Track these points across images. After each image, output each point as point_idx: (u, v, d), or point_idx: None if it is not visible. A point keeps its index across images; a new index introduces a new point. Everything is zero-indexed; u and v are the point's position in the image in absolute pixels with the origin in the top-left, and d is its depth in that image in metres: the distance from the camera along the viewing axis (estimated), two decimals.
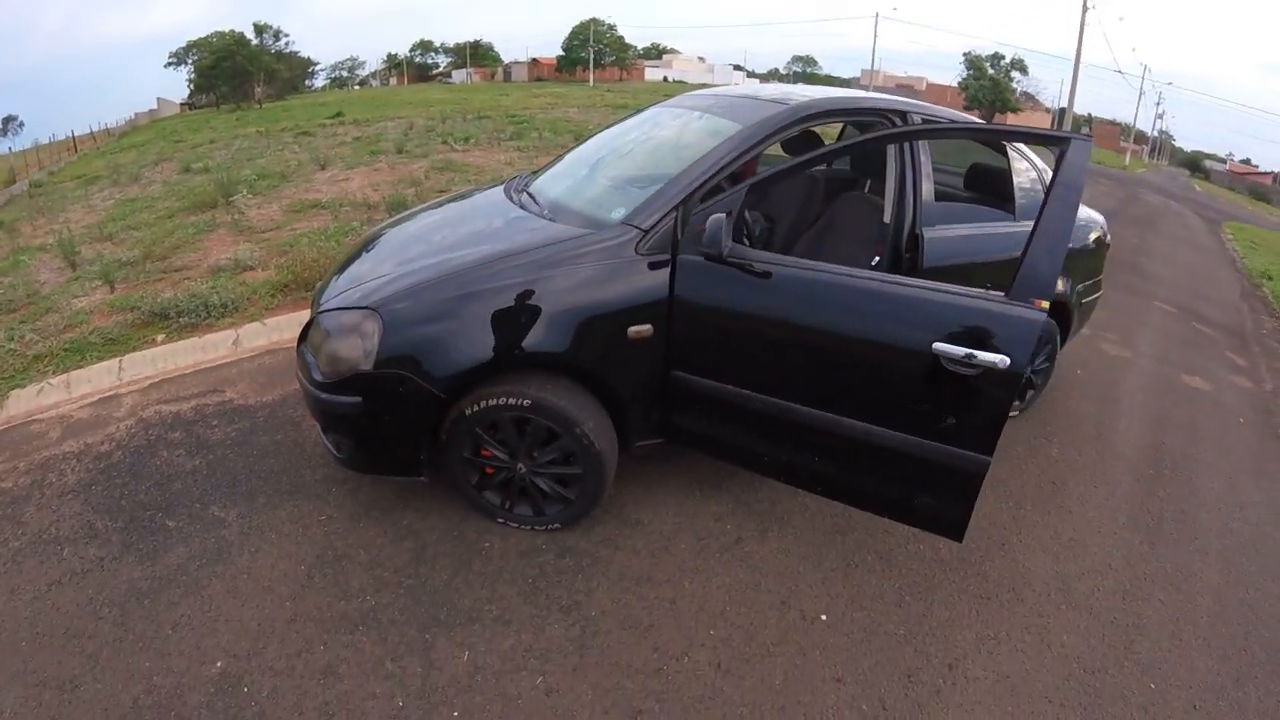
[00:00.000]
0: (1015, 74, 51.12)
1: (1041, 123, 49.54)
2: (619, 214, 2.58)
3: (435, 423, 2.42)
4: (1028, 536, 2.99)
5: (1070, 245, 3.80)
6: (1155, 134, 73.15)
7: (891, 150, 3.02)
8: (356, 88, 79.65)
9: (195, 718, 1.92)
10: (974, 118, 3.95)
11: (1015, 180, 3.43)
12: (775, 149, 3.21)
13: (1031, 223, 2.41)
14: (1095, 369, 5.08)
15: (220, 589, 2.33)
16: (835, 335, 2.34)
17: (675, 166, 2.66)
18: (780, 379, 2.43)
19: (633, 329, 2.42)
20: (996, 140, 3.52)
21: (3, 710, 1.95)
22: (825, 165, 4.20)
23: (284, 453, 3.06)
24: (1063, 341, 3.98)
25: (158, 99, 55.70)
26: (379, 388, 2.33)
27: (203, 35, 47.77)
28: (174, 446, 3.09)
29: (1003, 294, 2.14)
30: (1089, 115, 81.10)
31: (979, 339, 2.12)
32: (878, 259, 3.04)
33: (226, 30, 47.29)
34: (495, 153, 10.97)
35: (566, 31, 69.51)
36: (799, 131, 2.93)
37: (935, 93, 61.95)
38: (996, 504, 3.16)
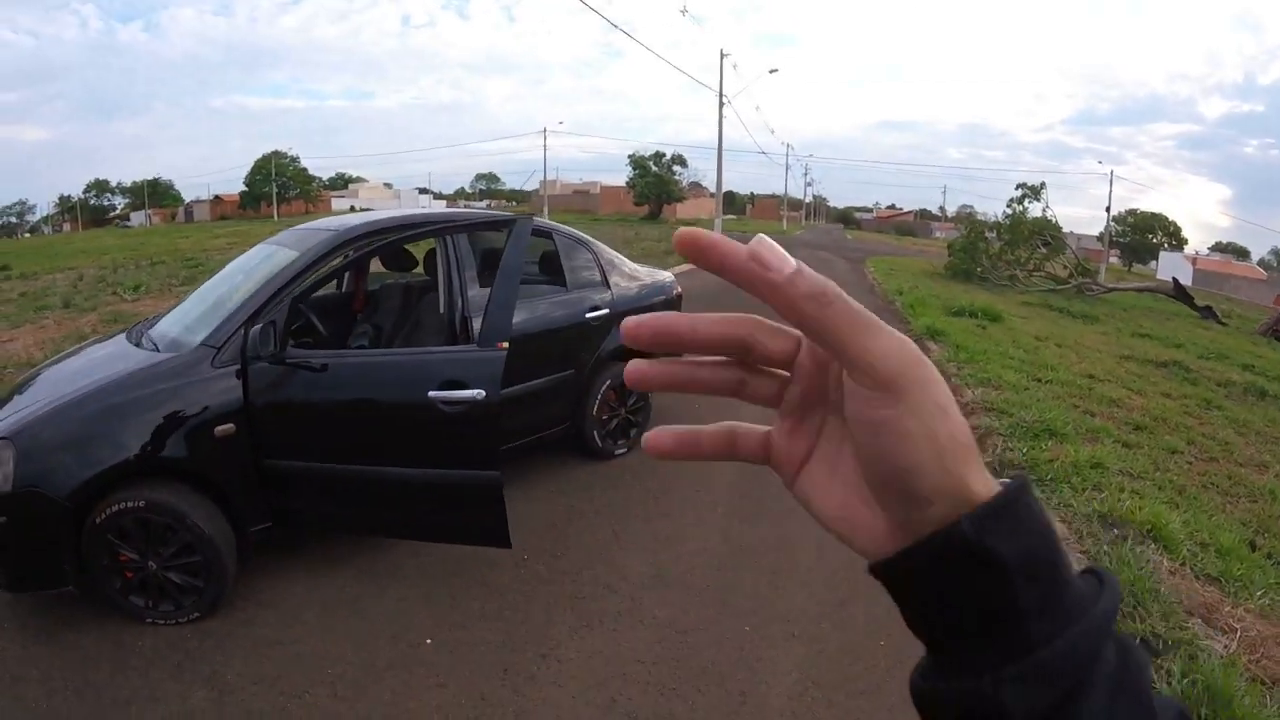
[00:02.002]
0: (677, 168, 54.51)
1: (706, 206, 52.34)
2: (201, 337, 3.15)
3: (75, 535, 2.77)
4: (628, 542, 3.71)
5: (657, 299, 4.93)
6: (809, 199, 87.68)
7: (438, 252, 3.84)
8: (26, 235, 69.77)
9: None
10: (501, 211, 4.92)
11: (565, 260, 4.47)
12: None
13: (582, 291, 3.57)
14: (705, 403, 6.24)
15: None
16: (370, 403, 3.10)
17: (251, 292, 3.28)
18: (341, 447, 3.08)
19: (218, 429, 2.96)
20: (462, 232, 3.97)
21: None
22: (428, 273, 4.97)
23: None
24: None
25: None
26: (18, 506, 2.69)
27: None
28: None
29: (475, 345, 2.92)
30: (751, 194, 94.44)
31: (460, 382, 2.89)
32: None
33: None
34: (167, 299, 10.53)
35: (249, 166, 66.86)
36: (345, 252, 3.68)
37: (609, 194, 65.62)
38: (600, 524, 3.91)
